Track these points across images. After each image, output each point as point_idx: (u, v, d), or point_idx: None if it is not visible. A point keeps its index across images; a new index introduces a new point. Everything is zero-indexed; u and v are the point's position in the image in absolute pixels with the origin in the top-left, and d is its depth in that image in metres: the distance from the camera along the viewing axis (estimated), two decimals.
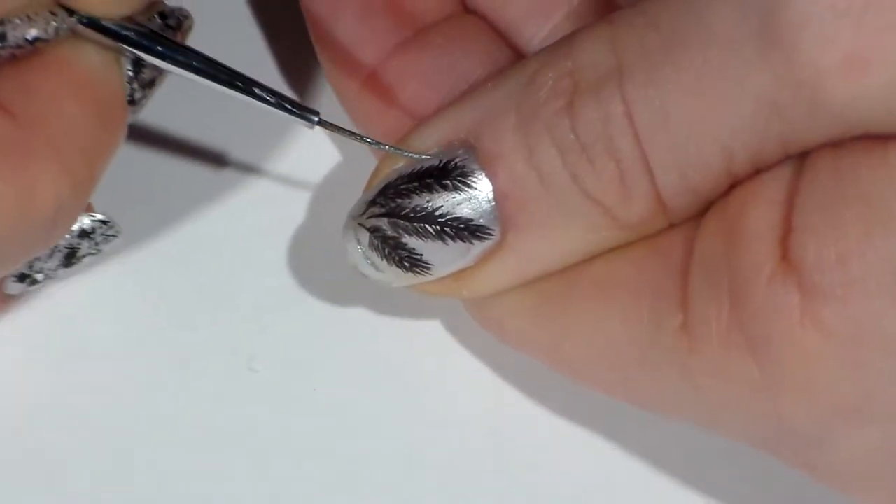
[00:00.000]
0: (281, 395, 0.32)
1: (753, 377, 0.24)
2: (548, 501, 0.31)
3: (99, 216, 0.29)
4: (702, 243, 0.25)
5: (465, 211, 0.26)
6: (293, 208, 0.33)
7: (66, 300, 0.32)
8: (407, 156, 0.27)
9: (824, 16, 0.22)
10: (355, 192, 0.29)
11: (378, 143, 0.27)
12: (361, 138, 0.27)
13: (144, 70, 0.27)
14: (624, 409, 0.30)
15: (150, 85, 0.28)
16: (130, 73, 0.27)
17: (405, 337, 0.32)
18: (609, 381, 0.27)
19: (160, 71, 0.27)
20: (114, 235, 0.29)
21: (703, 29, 0.24)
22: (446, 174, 0.26)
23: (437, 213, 0.26)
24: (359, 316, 0.32)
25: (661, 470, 0.31)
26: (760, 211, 0.24)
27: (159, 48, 0.26)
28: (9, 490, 0.31)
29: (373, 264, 0.27)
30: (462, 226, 0.26)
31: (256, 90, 0.27)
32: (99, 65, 0.26)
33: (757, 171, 0.25)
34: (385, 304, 0.32)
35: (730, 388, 0.25)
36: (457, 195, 0.26)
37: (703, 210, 0.26)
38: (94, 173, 0.26)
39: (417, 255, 0.27)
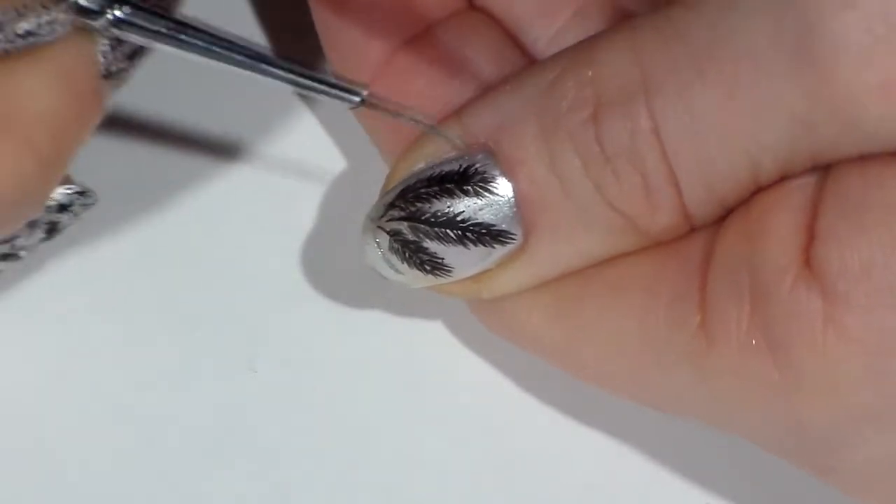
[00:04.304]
0: (281, 395, 0.32)
1: (773, 379, 0.25)
2: (548, 500, 0.31)
3: (75, 188, 0.28)
4: (723, 245, 0.25)
5: (486, 216, 0.26)
6: (294, 208, 0.33)
7: (66, 300, 0.32)
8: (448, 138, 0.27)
9: (863, 39, 0.23)
10: (358, 192, 0.30)
11: (429, 126, 0.27)
12: (410, 118, 0.27)
13: (124, 42, 0.26)
14: (625, 408, 0.30)
15: (131, 56, 0.26)
16: (107, 46, 0.26)
17: (406, 337, 0.32)
18: (622, 381, 0.27)
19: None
20: (91, 203, 0.28)
21: (736, 44, 0.24)
22: (466, 179, 0.26)
23: (458, 219, 0.26)
24: (359, 316, 0.32)
25: (661, 468, 0.32)
26: (784, 216, 0.25)
27: (182, 36, 0.25)
28: (9, 490, 0.30)
29: (393, 267, 0.27)
30: (484, 231, 0.26)
31: (295, 71, 0.25)
32: (67, 41, 0.25)
33: (781, 178, 0.25)
34: (386, 304, 0.32)
35: (748, 389, 0.25)
36: (478, 200, 0.26)
37: (725, 215, 0.26)
38: (62, 151, 0.25)
39: (439, 258, 0.27)
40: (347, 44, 0.30)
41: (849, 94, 0.23)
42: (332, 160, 0.33)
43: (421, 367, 0.32)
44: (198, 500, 0.31)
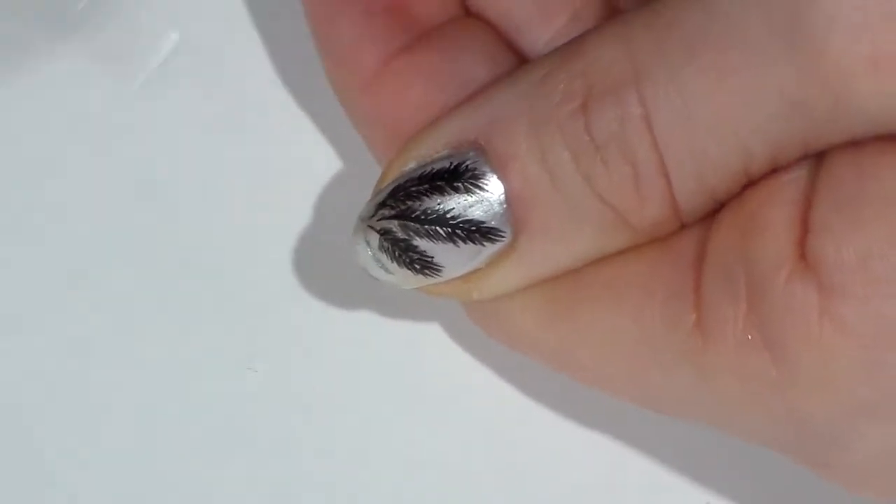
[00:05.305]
0: (281, 395, 0.32)
1: (770, 375, 0.24)
2: (548, 500, 0.31)
3: None
4: (716, 242, 0.25)
5: (476, 213, 0.26)
6: (294, 208, 0.33)
7: (66, 300, 0.32)
8: None
9: (854, 14, 0.22)
10: (357, 193, 0.29)
11: None
12: None
13: None
14: (624, 409, 0.30)
15: None
16: None
17: (405, 337, 0.32)
18: (620, 382, 0.27)
19: None
20: None
21: (727, 29, 0.23)
22: (457, 176, 0.26)
23: (448, 216, 0.26)
24: (359, 316, 0.32)
25: (661, 469, 0.31)
26: (778, 210, 0.24)
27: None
28: (8, 489, 0.31)
29: (383, 266, 0.27)
30: (473, 228, 0.26)
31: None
32: None
33: (773, 171, 0.25)
34: (385, 304, 0.32)
35: (746, 386, 0.25)
36: (468, 197, 0.26)
37: (716, 210, 0.26)
38: None
39: (428, 257, 0.27)
40: (342, 50, 0.30)
41: (840, 70, 0.23)
42: (330, 161, 0.33)
43: (421, 368, 0.32)
44: (198, 500, 0.31)
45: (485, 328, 0.29)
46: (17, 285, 0.32)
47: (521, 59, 0.30)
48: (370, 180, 0.29)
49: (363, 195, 0.29)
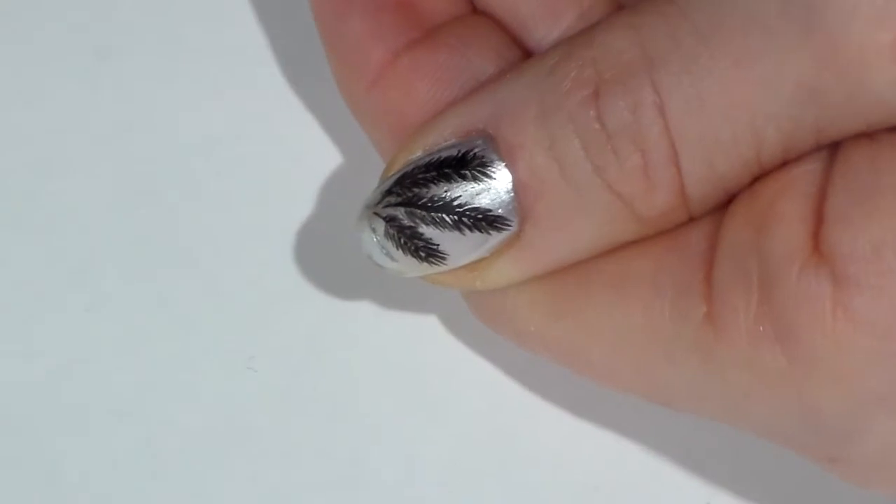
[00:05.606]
0: (281, 395, 0.32)
1: (782, 367, 0.24)
2: (549, 498, 0.31)
3: None
4: (728, 233, 0.25)
5: (483, 201, 0.26)
6: (294, 207, 0.33)
7: (65, 300, 0.32)
8: None
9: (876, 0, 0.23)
10: (358, 191, 0.29)
11: None
12: None
13: None
14: (626, 407, 0.30)
15: None
16: None
17: (406, 336, 0.32)
18: (629, 377, 0.27)
19: None
20: None
21: (742, 15, 0.24)
22: (465, 164, 0.26)
23: (454, 203, 0.26)
24: (359, 315, 0.32)
25: (660, 468, 0.31)
26: (791, 202, 0.24)
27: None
28: (9, 490, 0.30)
29: (388, 254, 0.27)
30: (480, 216, 0.26)
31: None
32: None
33: (784, 162, 0.25)
34: (386, 302, 0.32)
35: (758, 378, 0.25)
36: (475, 185, 0.26)
37: (723, 204, 0.26)
38: None
39: (434, 244, 0.27)
40: (349, 47, 0.30)
41: (859, 57, 0.23)
42: (329, 158, 0.33)
43: (422, 365, 0.32)
44: (198, 501, 0.31)
45: (490, 324, 0.29)
46: (18, 285, 0.32)
47: (528, 57, 0.30)
48: (372, 179, 0.29)
49: (364, 192, 0.29)
